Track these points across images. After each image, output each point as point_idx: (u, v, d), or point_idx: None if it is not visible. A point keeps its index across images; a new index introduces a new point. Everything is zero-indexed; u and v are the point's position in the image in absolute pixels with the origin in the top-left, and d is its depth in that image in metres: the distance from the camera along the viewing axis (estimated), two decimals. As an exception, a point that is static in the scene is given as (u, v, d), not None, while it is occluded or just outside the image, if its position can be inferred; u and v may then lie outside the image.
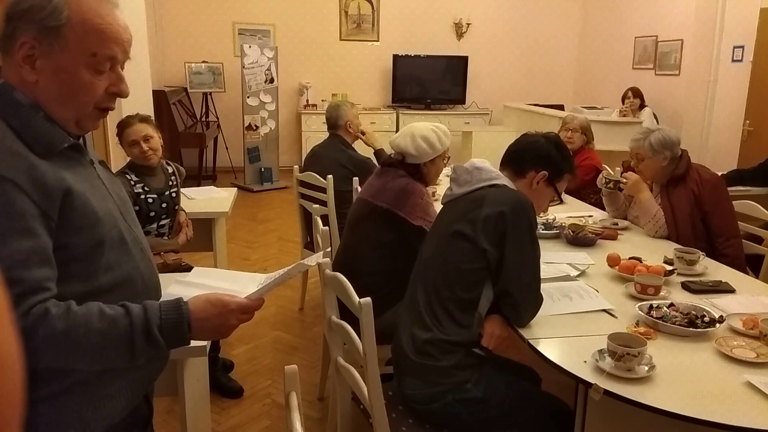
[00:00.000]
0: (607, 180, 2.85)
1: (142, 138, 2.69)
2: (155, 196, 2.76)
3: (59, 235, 1.07)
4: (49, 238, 1.05)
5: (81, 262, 1.11)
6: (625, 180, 2.79)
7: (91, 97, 1.14)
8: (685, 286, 2.10)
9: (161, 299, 1.18)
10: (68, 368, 1.12)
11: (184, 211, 2.99)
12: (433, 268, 1.89)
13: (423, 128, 2.46)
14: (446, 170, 2.70)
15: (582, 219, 2.94)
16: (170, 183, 2.86)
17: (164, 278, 1.38)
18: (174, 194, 2.87)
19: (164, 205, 2.80)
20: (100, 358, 1.08)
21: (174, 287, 1.30)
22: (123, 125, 2.71)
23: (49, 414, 1.10)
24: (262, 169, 7.37)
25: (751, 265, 2.76)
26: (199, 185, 5.40)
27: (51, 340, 1.02)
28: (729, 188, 2.82)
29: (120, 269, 1.18)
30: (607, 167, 3.62)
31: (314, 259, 1.35)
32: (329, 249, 1.42)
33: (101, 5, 1.12)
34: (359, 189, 3.08)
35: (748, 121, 5.65)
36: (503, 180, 1.94)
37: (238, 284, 1.30)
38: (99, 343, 1.05)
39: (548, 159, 1.96)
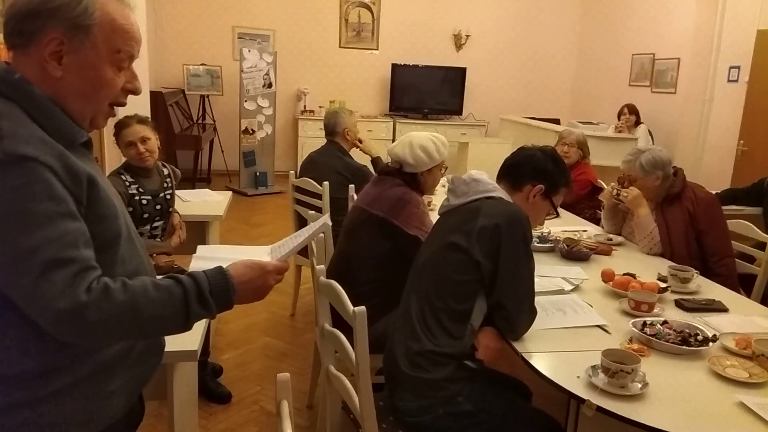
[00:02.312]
0: (618, 191, 2.85)
1: (139, 139, 2.67)
2: (150, 197, 2.75)
3: (86, 223, 1.09)
4: (84, 223, 1.08)
5: (102, 252, 1.13)
6: (626, 192, 2.79)
7: (110, 93, 1.19)
8: (679, 304, 2.10)
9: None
10: (128, 340, 1.19)
11: (177, 213, 2.97)
12: (426, 278, 1.88)
13: (422, 138, 2.46)
14: (442, 180, 2.70)
15: (577, 233, 2.94)
16: (165, 185, 2.85)
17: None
18: (168, 196, 2.85)
19: (158, 206, 2.78)
20: (160, 326, 1.13)
21: (195, 262, 1.34)
22: (120, 126, 2.69)
23: (55, 410, 1.12)
24: (257, 174, 7.36)
25: (743, 284, 2.77)
26: (193, 187, 5.38)
27: (116, 312, 1.05)
28: (722, 207, 2.83)
29: (131, 263, 1.22)
30: (602, 182, 3.63)
31: (327, 218, 1.43)
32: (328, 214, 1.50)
33: (122, 7, 1.17)
34: (355, 196, 3.07)
35: (742, 141, 5.69)
36: (500, 192, 1.94)
37: (248, 256, 1.33)
38: (159, 311, 1.10)
39: (545, 173, 1.97)
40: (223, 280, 1.17)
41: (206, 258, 1.37)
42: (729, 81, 5.97)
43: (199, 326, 1.60)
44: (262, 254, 1.36)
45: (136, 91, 1.23)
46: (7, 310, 1.05)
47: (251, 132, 7.28)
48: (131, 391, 1.25)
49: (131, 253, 1.22)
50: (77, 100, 1.15)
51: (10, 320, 1.06)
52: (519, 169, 1.99)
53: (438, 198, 3.23)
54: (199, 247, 1.50)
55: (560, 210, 2.18)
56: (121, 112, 2.77)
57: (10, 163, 1.00)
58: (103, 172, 1.29)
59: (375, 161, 3.80)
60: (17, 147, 1.01)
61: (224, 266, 1.20)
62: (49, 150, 1.05)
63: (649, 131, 6.37)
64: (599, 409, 1.43)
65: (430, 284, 1.85)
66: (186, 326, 1.15)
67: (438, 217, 2.05)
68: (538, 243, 2.74)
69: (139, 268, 1.24)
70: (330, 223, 1.39)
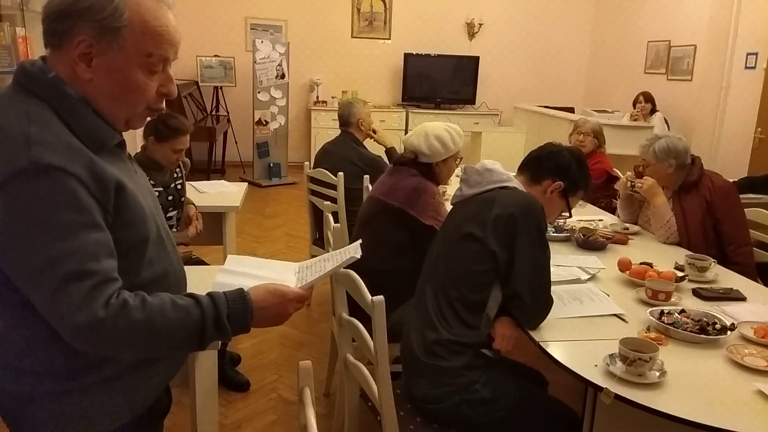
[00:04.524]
0: (632, 183, 2.85)
1: (184, 148, 2.73)
2: (161, 189, 2.78)
3: (112, 230, 1.08)
4: (108, 232, 1.07)
5: (128, 257, 1.12)
6: (641, 183, 2.78)
7: (143, 98, 1.15)
8: (696, 293, 2.10)
9: (212, 289, 1.20)
10: (140, 356, 1.18)
11: (194, 204, 3.00)
12: (441, 268, 1.89)
13: (437, 128, 2.46)
14: (456, 170, 2.70)
15: (592, 223, 2.94)
16: (175, 175, 2.88)
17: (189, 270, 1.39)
18: (179, 186, 2.89)
19: (170, 197, 2.82)
20: (173, 345, 1.13)
21: (221, 276, 1.32)
22: (179, 132, 2.70)
23: (81, 404, 1.14)
24: (271, 165, 7.39)
25: (760, 273, 2.75)
26: (208, 179, 5.42)
27: (131, 330, 1.05)
28: (739, 195, 2.81)
29: (159, 265, 1.21)
30: (617, 171, 3.61)
31: (359, 250, 1.38)
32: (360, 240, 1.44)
33: (158, 7, 1.13)
34: (370, 187, 3.08)
35: (759, 129, 5.62)
36: (514, 182, 1.94)
37: (275, 272, 1.34)
38: (174, 331, 1.09)
39: (567, 171, 1.97)
40: (243, 305, 1.16)
41: (232, 272, 1.35)
42: (746, 68, 5.89)
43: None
44: (288, 272, 1.35)
45: (170, 95, 1.20)
46: (36, 313, 1.06)
47: (264, 123, 7.31)
48: (158, 385, 1.27)
49: (159, 255, 1.21)
50: (108, 103, 1.13)
51: (38, 321, 1.07)
52: (542, 162, 1.99)
53: (452, 188, 3.22)
54: (229, 258, 1.46)
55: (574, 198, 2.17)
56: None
57: (35, 172, 0.99)
58: (136, 169, 1.27)
59: (389, 152, 3.80)
60: (43, 156, 1.00)
61: (246, 289, 1.19)
62: (77, 158, 1.04)
63: (665, 119, 6.30)
64: (617, 397, 1.44)
65: (444, 274, 1.86)
66: (200, 348, 1.15)
67: (451, 207, 2.06)
68: (553, 232, 2.74)
69: (168, 270, 1.24)
70: (359, 256, 1.35)
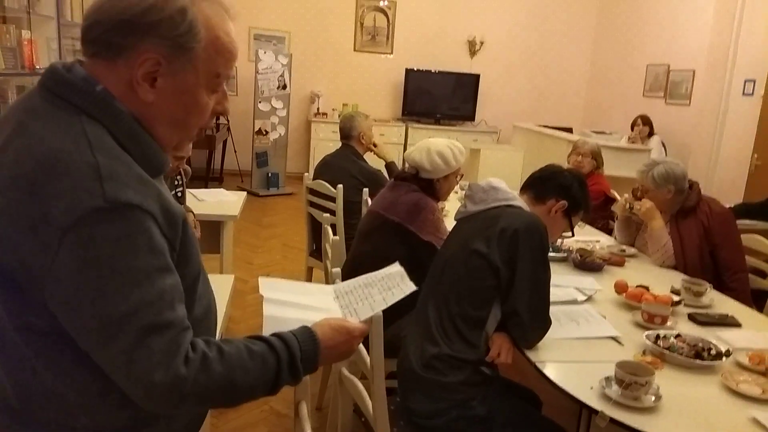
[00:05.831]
0: (631, 205, 2.88)
1: (186, 156, 2.70)
2: None
3: (176, 268, 0.97)
4: (177, 273, 0.96)
5: (185, 293, 0.99)
6: (639, 205, 2.80)
7: (202, 119, 1.04)
8: (692, 318, 2.11)
9: (265, 324, 1.14)
10: (215, 408, 1.10)
11: (192, 212, 3.00)
12: (444, 283, 1.90)
13: (439, 144, 2.47)
14: (456, 187, 2.72)
15: (590, 244, 2.94)
16: (176, 183, 2.88)
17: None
18: (179, 194, 2.88)
19: None
20: (249, 395, 1.03)
21: (269, 308, 1.21)
22: None
23: None
24: (270, 174, 7.40)
25: (755, 299, 2.76)
26: (206, 187, 5.43)
27: (211, 386, 0.95)
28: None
29: (205, 298, 1.11)
30: (615, 193, 3.64)
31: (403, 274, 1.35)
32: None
33: (225, 20, 1.01)
34: (369, 201, 3.09)
35: (756, 155, 5.66)
36: (519, 201, 1.96)
37: (314, 298, 1.28)
38: (252, 381, 1.00)
39: (570, 191, 2.01)
40: (313, 345, 1.07)
41: (277, 302, 1.25)
42: (744, 94, 5.95)
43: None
44: (328, 298, 1.29)
45: (225, 113, 1.09)
46: (92, 364, 0.93)
47: (264, 133, 7.33)
48: (201, 419, 1.19)
49: (205, 288, 1.11)
50: (166, 127, 1.00)
51: (95, 374, 0.94)
52: (546, 182, 2.03)
53: (450, 204, 3.24)
54: (262, 282, 1.32)
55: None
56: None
57: (110, 211, 0.86)
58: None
59: (389, 166, 3.82)
60: (119, 192, 0.87)
61: (311, 327, 1.10)
62: (149, 191, 0.92)
63: (663, 143, 6.35)
64: (612, 420, 1.44)
65: (448, 289, 1.87)
66: (271, 393, 1.05)
67: (454, 223, 2.07)
68: (551, 252, 2.74)
69: (210, 301, 1.14)
70: (416, 288, 1.33)
